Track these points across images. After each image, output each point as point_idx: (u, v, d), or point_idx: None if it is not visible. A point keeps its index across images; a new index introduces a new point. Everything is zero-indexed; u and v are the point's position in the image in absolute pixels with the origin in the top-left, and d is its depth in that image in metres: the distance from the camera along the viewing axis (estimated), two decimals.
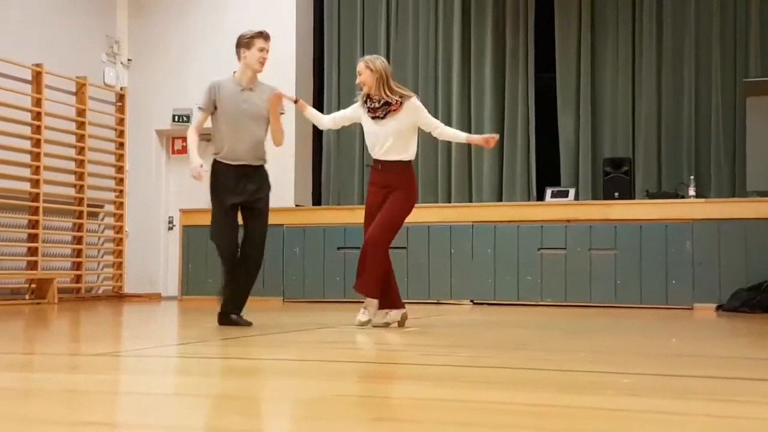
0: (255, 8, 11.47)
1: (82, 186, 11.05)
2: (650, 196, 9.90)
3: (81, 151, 11.07)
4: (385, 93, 6.11)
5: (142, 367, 4.14)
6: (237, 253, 6.04)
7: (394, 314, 6.18)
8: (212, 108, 6.09)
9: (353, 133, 11.49)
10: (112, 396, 3.21)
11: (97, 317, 8.27)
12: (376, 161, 6.19)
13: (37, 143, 10.40)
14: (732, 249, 9.08)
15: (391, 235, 6.15)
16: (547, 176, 10.83)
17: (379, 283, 6.06)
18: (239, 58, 6.13)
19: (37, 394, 3.20)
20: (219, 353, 4.74)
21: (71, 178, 11.02)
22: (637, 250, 9.38)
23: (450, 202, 10.92)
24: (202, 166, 5.97)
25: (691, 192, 9.74)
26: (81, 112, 11.10)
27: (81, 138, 11.08)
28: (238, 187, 6.02)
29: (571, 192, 10.27)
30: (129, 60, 11.92)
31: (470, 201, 10.90)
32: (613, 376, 3.60)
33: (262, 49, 6.05)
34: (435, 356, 4.54)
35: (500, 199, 10.85)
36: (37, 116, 10.42)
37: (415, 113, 6.16)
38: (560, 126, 10.85)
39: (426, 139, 11.17)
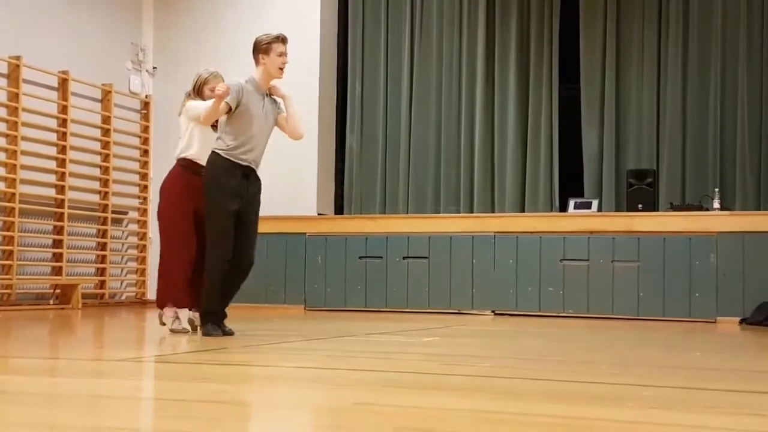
0: (279, 18, 11.52)
1: (106, 193, 11.14)
2: (674, 208, 9.84)
3: (106, 158, 11.16)
4: None
5: (165, 372, 4.17)
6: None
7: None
8: (234, 106, 5.96)
9: (376, 141, 11.52)
10: (135, 401, 3.23)
11: (121, 323, 8.32)
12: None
13: (62, 150, 10.50)
14: (756, 262, 9.01)
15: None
16: (570, 187, 10.79)
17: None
18: (257, 63, 6.08)
19: (61, 399, 3.23)
20: (240, 360, 4.76)
21: (96, 185, 11.11)
22: (661, 262, 9.33)
23: (472, 212, 10.91)
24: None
25: (716, 204, 9.68)
26: (106, 120, 11.20)
27: (106, 145, 11.17)
28: (241, 188, 5.95)
29: (594, 203, 10.22)
30: (154, 68, 12.02)
31: (492, 211, 10.89)
32: (635, 389, 3.58)
33: (281, 54, 5.99)
34: (457, 366, 4.53)
35: (523, 210, 10.82)
36: (63, 123, 10.52)
37: None
38: (584, 137, 10.82)
39: (448, 148, 11.23)
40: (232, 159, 5.94)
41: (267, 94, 6.10)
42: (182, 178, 6.28)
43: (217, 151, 5.97)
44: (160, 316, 6.33)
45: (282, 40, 6.03)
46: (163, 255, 6.36)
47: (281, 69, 6.02)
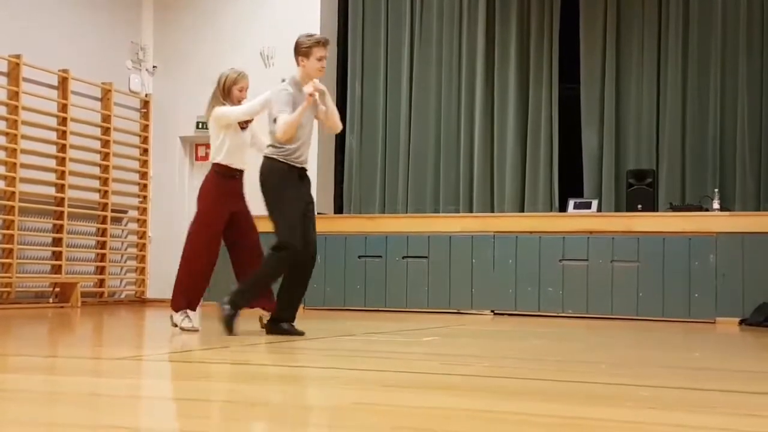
0: (279, 18, 11.54)
1: (106, 191, 11.14)
2: (674, 208, 9.84)
3: (106, 156, 11.17)
4: None
5: (164, 371, 4.17)
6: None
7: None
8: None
9: (376, 140, 11.52)
10: (134, 400, 3.23)
11: (120, 321, 8.33)
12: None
13: (62, 148, 10.51)
14: (756, 263, 9.01)
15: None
16: (570, 187, 10.79)
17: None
18: (297, 64, 6.02)
19: (60, 397, 3.23)
20: (240, 359, 4.76)
21: (96, 184, 11.11)
22: (660, 262, 9.33)
23: (472, 212, 10.92)
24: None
25: (716, 205, 9.68)
26: (106, 118, 11.20)
27: (106, 144, 11.18)
28: (302, 189, 5.96)
29: (594, 203, 10.23)
30: (154, 67, 12.02)
31: (492, 211, 10.89)
32: (633, 389, 3.58)
33: (320, 58, 5.93)
34: (456, 366, 4.54)
35: (522, 210, 10.83)
36: (63, 122, 10.53)
37: None
38: (583, 137, 10.82)
39: (448, 148, 11.23)
40: (288, 162, 5.93)
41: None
42: (217, 183, 6.23)
43: (272, 156, 5.91)
44: (172, 317, 6.30)
45: (323, 43, 5.96)
46: (189, 258, 6.23)
47: (320, 72, 5.97)
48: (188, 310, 6.25)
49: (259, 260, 6.12)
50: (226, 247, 6.36)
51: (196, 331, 6.19)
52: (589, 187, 10.71)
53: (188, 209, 12.02)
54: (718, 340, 7.00)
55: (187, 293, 6.23)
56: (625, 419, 2.83)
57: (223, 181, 6.22)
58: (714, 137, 10.29)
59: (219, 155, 6.22)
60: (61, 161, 10.49)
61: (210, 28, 11.84)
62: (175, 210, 11.96)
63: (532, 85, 11.00)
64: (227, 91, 6.21)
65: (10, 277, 9.75)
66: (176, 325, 6.25)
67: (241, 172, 6.29)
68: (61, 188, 10.48)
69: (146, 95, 11.91)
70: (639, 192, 9.93)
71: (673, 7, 10.55)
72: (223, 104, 6.21)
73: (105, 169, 11.17)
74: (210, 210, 6.20)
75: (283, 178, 5.87)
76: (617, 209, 10.34)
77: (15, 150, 9.84)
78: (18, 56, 9.89)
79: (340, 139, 11.71)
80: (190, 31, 11.93)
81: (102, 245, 11.16)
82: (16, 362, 4.44)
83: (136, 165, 11.77)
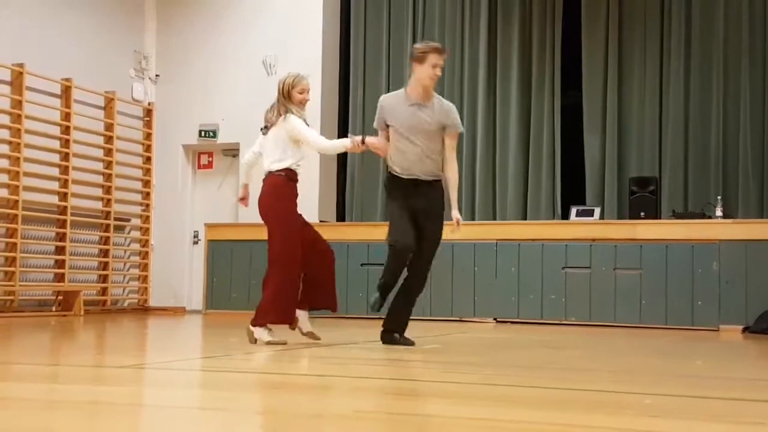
0: (282, 24, 11.57)
1: (109, 200, 11.16)
2: (676, 216, 9.83)
3: (108, 165, 11.18)
4: None
5: (167, 380, 4.17)
6: (408, 258, 5.90)
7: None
8: (384, 125, 5.94)
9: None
10: (136, 408, 3.23)
11: (122, 330, 8.32)
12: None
13: (65, 157, 10.52)
14: (759, 270, 9.00)
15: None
16: (573, 195, 10.78)
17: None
18: (411, 70, 5.95)
19: (62, 405, 3.23)
20: (243, 368, 4.76)
21: (98, 192, 11.13)
22: (663, 270, 9.32)
23: (474, 219, 10.91)
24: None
25: (718, 212, 9.66)
26: (109, 127, 11.22)
27: (109, 152, 11.19)
28: (409, 201, 5.89)
29: (597, 211, 10.22)
30: (157, 75, 12.04)
31: (494, 219, 10.88)
32: (635, 397, 3.57)
33: (435, 66, 5.82)
34: (457, 374, 4.53)
35: (525, 218, 10.82)
36: (66, 130, 10.55)
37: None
38: (586, 144, 10.82)
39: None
40: (393, 173, 5.93)
41: (420, 104, 5.89)
42: (292, 187, 5.99)
43: (389, 169, 5.98)
44: (251, 333, 5.87)
45: (438, 51, 5.87)
46: (280, 269, 5.87)
47: (432, 79, 5.86)
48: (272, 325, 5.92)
49: (324, 253, 6.06)
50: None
51: (285, 343, 5.85)
52: (592, 195, 10.70)
53: (190, 217, 12.07)
54: (722, 348, 6.98)
55: (287, 304, 5.91)
56: (627, 427, 2.82)
57: (293, 186, 6.01)
58: (716, 144, 10.29)
59: (285, 161, 5.95)
60: (64, 170, 10.50)
61: (213, 37, 11.87)
62: (177, 218, 11.97)
63: (534, 93, 11.01)
64: (288, 95, 6.11)
65: (13, 286, 9.76)
66: (256, 341, 5.84)
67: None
68: (64, 197, 10.49)
69: (149, 104, 11.94)
70: (642, 199, 9.92)
71: (675, 15, 10.55)
72: (293, 111, 5.97)
73: (108, 177, 11.18)
74: (292, 219, 5.97)
75: (393, 187, 6.01)
76: (620, 217, 10.33)
77: (18, 159, 9.85)
78: (21, 65, 9.92)
79: None
80: (193, 40, 11.95)
81: (105, 253, 11.16)
82: (18, 370, 4.44)
83: (138, 173, 11.78)
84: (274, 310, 5.84)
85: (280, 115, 5.97)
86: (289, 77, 6.12)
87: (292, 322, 6.00)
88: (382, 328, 6.09)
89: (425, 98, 5.88)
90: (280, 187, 5.92)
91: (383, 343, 5.99)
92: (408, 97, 5.90)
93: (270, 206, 5.92)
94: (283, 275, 5.84)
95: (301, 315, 6.07)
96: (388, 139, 5.95)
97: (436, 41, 11.33)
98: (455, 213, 6.03)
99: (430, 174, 5.93)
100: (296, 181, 6.04)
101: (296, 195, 6.03)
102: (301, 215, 6.11)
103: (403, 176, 5.91)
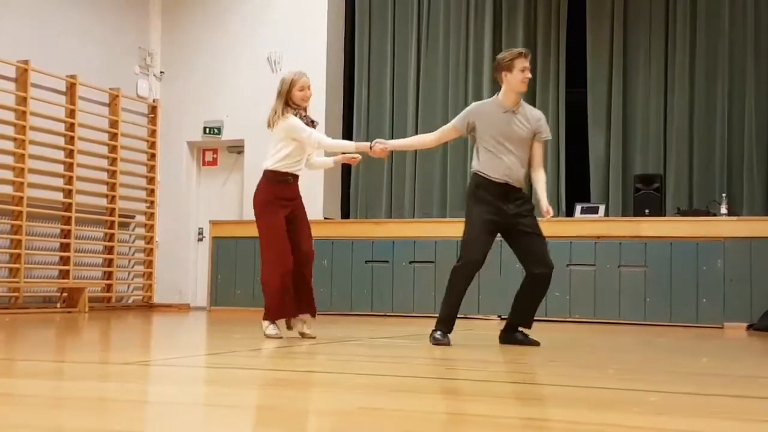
0: (287, 22, 11.57)
1: (113, 196, 11.17)
2: (681, 213, 9.82)
3: (113, 161, 11.20)
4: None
5: (171, 376, 4.17)
6: (478, 270, 6.03)
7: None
8: (464, 130, 6.03)
9: None
10: (141, 405, 3.23)
11: (127, 326, 8.34)
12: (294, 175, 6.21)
13: (70, 154, 10.53)
14: (764, 268, 8.99)
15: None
16: (577, 192, 10.78)
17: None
18: (501, 81, 5.99)
19: (67, 402, 3.24)
20: (247, 364, 4.76)
21: (103, 189, 11.14)
22: (668, 267, 9.31)
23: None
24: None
25: (723, 210, 9.65)
26: (114, 124, 11.23)
27: (113, 149, 11.21)
28: (499, 205, 5.94)
29: (601, 208, 10.21)
30: (162, 72, 12.05)
31: None
32: (641, 394, 3.57)
33: (524, 69, 5.88)
34: (462, 370, 4.53)
35: None
36: (71, 127, 10.56)
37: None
38: (591, 141, 10.81)
39: (455, 153, 11.22)
40: (484, 176, 5.93)
41: (513, 111, 5.94)
42: (270, 190, 6.14)
43: (473, 170, 5.98)
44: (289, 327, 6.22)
45: (524, 55, 5.93)
46: (270, 265, 6.13)
47: (524, 83, 5.92)
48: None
49: (306, 263, 6.24)
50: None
51: (281, 338, 6.05)
52: (596, 192, 10.69)
53: (195, 214, 12.08)
54: (726, 346, 6.97)
55: (270, 300, 6.13)
56: (633, 425, 2.82)
57: (279, 187, 6.14)
58: (721, 141, 10.27)
59: (278, 162, 6.14)
60: (69, 166, 10.52)
61: (217, 34, 11.87)
62: (182, 215, 11.98)
63: (539, 89, 10.99)
64: (288, 93, 6.17)
65: (18, 282, 9.77)
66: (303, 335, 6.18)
67: (296, 177, 6.24)
68: (68, 193, 10.51)
69: (154, 100, 11.94)
70: (646, 197, 9.91)
71: (680, 11, 10.54)
72: (291, 110, 6.11)
73: (112, 174, 11.19)
74: (267, 212, 6.15)
75: (478, 190, 6.02)
76: (624, 214, 10.32)
77: (23, 155, 9.87)
78: (26, 62, 9.93)
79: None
80: (198, 37, 11.96)
81: (109, 250, 11.18)
82: (24, 367, 4.45)
83: (143, 170, 11.80)
84: (266, 306, 6.11)
85: (276, 115, 6.10)
86: (289, 75, 6.18)
87: (287, 318, 6.13)
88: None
89: (516, 104, 5.96)
90: (260, 185, 6.18)
91: (502, 343, 6.07)
92: (501, 104, 5.95)
93: (253, 204, 6.22)
94: (264, 271, 6.11)
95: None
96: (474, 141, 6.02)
97: (440, 39, 11.47)
98: (546, 203, 6.11)
99: (519, 181, 6.02)
100: (283, 181, 6.11)
101: (280, 197, 6.11)
102: (298, 213, 6.19)
103: (498, 180, 5.92)
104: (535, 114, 6.05)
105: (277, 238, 6.08)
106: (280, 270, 6.01)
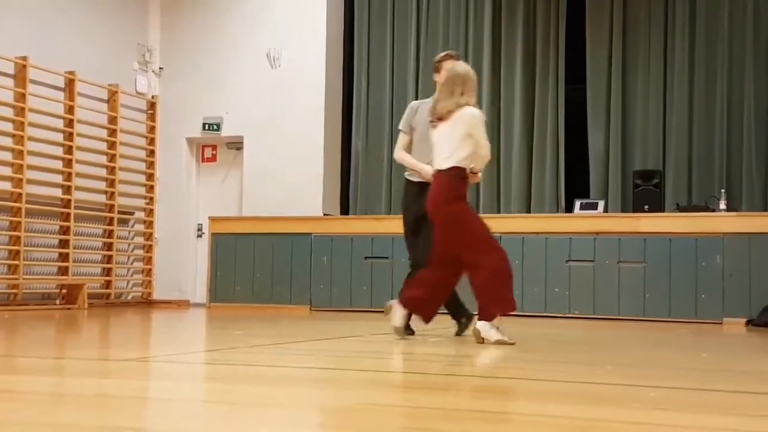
0: (286, 20, 11.55)
1: (113, 193, 11.16)
2: (680, 209, 9.82)
3: (112, 158, 11.19)
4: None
5: (171, 373, 4.17)
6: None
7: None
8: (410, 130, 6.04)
9: (382, 141, 11.52)
10: (140, 401, 3.23)
11: (127, 323, 8.34)
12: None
13: (69, 150, 10.53)
14: (763, 263, 8.99)
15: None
16: (576, 188, 10.78)
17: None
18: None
19: (67, 398, 3.24)
20: (247, 360, 4.76)
21: (102, 185, 11.14)
22: (667, 263, 9.32)
23: (478, 212, 10.88)
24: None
25: (722, 205, 9.66)
26: (113, 120, 11.22)
27: (112, 145, 11.20)
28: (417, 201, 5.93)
29: (601, 204, 10.21)
30: (161, 68, 12.04)
31: (498, 212, 10.88)
32: (641, 390, 3.58)
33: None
34: (462, 366, 4.53)
35: (528, 211, 10.81)
36: (70, 123, 10.55)
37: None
38: (590, 138, 10.80)
39: None
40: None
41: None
42: (462, 186, 5.82)
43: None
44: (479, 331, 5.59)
45: (454, 57, 6.23)
46: (482, 258, 5.56)
47: None
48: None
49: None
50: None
51: (513, 343, 5.52)
52: (596, 188, 10.69)
53: (194, 210, 12.08)
54: (725, 341, 6.98)
55: (501, 294, 5.56)
56: (633, 420, 2.82)
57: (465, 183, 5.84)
58: (721, 137, 10.28)
59: (462, 158, 5.78)
60: (68, 163, 10.51)
61: (217, 30, 11.86)
62: (181, 211, 11.98)
63: (538, 86, 10.99)
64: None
65: (17, 279, 9.77)
66: (483, 341, 5.51)
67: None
68: (67, 190, 10.50)
69: (153, 97, 11.93)
70: (645, 192, 9.91)
71: (679, 8, 10.53)
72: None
73: (111, 170, 11.19)
74: (468, 209, 5.85)
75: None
76: (624, 210, 10.32)
77: (22, 152, 9.86)
78: (24, 58, 9.92)
79: (346, 140, 11.72)
80: (197, 33, 11.94)
81: (108, 247, 11.18)
82: (23, 364, 4.45)
83: (142, 166, 11.79)
84: (497, 297, 5.56)
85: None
86: (470, 70, 5.92)
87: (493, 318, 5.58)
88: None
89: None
90: (449, 187, 5.82)
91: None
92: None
93: (437, 204, 5.83)
94: (488, 260, 5.61)
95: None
96: None
97: (440, 34, 11.46)
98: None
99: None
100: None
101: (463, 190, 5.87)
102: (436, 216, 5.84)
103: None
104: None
105: (483, 224, 5.73)
106: (504, 252, 5.59)
